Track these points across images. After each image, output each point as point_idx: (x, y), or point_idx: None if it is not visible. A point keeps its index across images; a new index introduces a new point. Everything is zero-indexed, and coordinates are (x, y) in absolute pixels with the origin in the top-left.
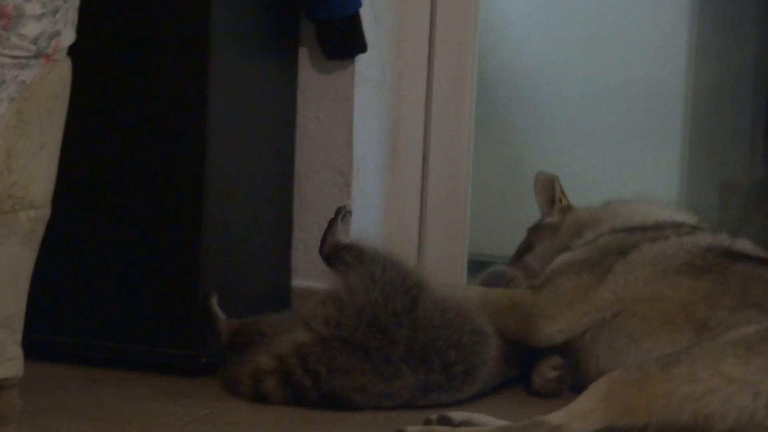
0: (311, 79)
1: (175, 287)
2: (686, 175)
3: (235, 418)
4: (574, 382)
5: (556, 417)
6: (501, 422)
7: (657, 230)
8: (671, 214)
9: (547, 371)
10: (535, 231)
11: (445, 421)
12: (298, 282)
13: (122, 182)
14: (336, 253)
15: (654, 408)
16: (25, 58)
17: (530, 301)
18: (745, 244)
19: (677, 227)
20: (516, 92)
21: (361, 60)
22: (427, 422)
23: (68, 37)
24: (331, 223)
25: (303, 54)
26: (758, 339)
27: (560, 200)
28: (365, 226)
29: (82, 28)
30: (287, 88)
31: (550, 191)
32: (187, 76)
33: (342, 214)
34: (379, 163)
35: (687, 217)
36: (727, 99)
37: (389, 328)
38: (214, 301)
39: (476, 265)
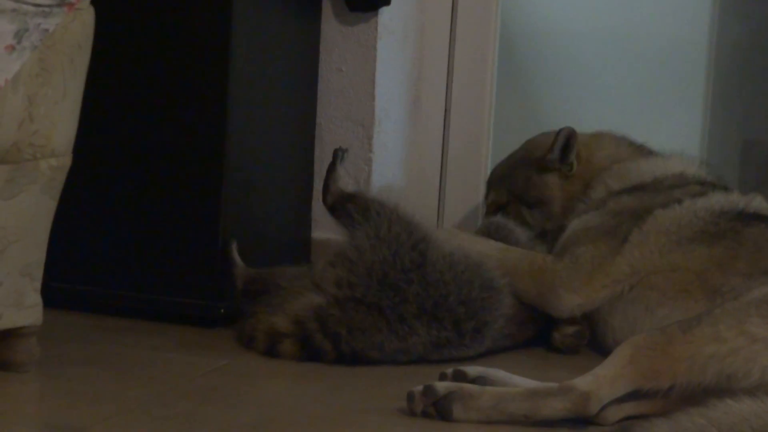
0: (334, 31)
1: (195, 238)
2: (708, 133)
3: (252, 369)
4: (591, 339)
5: (584, 383)
6: (519, 378)
7: (665, 189)
8: (675, 166)
9: (566, 327)
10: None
11: (460, 376)
12: (318, 234)
13: (144, 133)
14: (340, 204)
15: (678, 370)
16: (48, 6)
17: (552, 270)
18: (759, 203)
19: (684, 183)
20: (538, 47)
21: (385, 13)
22: (442, 377)
23: None
24: (331, 168)
25: (326, 6)
26: None
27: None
28: (386, 178)
29: None
30: (310, 40)
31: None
32: (210, 28)
33: (340, 156)
34: (401, 116)
35: (691, 169)
36: (750, 57)
37: (400, 285)
38: (234, 248)
39: None
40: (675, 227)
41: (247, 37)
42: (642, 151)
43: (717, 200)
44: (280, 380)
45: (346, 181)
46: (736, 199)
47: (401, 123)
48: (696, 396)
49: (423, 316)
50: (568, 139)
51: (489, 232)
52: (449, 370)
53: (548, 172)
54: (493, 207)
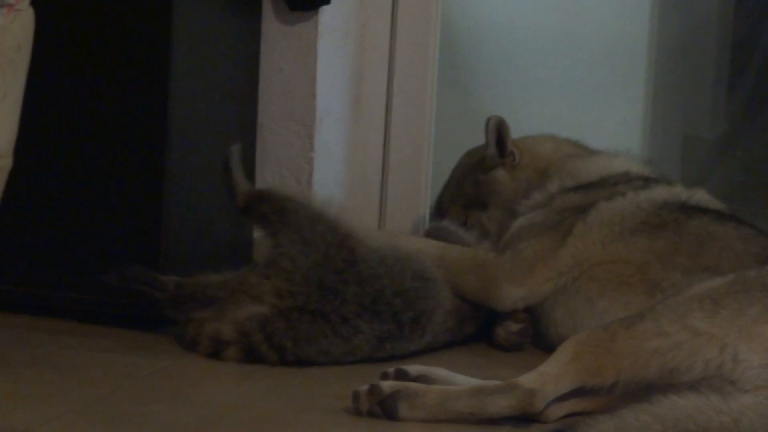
0: (275, 30)
1: (135, 240)
2: (649, 128)
3: (195, 370)
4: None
5: (528, 380)
6: (460, 377)
7: (610, 186)
8: (621, 165)
9: (510, 324)
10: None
11: (402, 375)
12: (259, 234)
13: (84, 133)
14: (254, 205)
15: (622, 366)
16: None
17: (494, 264)
18: (702, 196)
19: (628, 180)
20: (479, 43)
21: (325, 11)
22: (384, 376)
23: None
24: (229, 170)
25: (267, 5)
26: (724, 292)
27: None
28: (328, 178)
29: None
30: (251, 39)
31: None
32: (151, 28)
33: (233, 154)
34: (343, 115)
35: (636, 167)
36: (690, 53)
37: (338, 287)
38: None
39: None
40: (618, 218)
41: (187, 37)
42: (587, 149)
43: (660, 192)
44: (223, 381)
45: (243, 180)
46: (679, 192)
47: (343, 122)
48: (640, 392)
49: (364, 313)
50: (498, 129)
51: (435, 237)
52: (391, 370)
53: (493, 168)
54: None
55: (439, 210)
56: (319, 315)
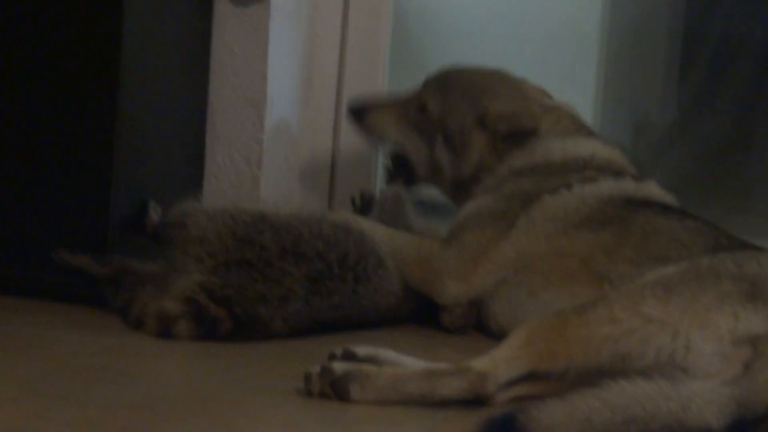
0: (226, 11)
1: (85, 217)
2: (599, 115)
3: (142, 348)
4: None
5: (481, 363)
6: (408, 359)
7: (560, 174)
8: (587, 148)
9: (455, 307)
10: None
11: (350, 356)
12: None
13: (33, 114)
14: (160, 231)
15: (573, 351)
16: None
17: (438, 258)
18: (651, 189)
19: (585, 167)
20: (431, 27)
21: None
22: (332, 357)
23: None
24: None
25: None
26: (677, 280)
27: None
28: (278, 159)
29: None
30: (202, 20)
31: None
32: (101, 8)
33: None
34: (293, 97)
35: (604, 152)
36: (642, 40)
37: (252, 236)
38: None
39: None
40: (562, 213)
41: (138, 18)
42: (570, 127)
43: (607, 186)
44: (171, 359)
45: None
46: (625, 186)
47: (293, 103)
48: (591, 379)
49: (286, 255)
50: (523, 129)
51: (382, 203)
52: (339, 350)
53: (484, 130)
54: (415, 108)
55: (426, 85)
56: (244, 264)
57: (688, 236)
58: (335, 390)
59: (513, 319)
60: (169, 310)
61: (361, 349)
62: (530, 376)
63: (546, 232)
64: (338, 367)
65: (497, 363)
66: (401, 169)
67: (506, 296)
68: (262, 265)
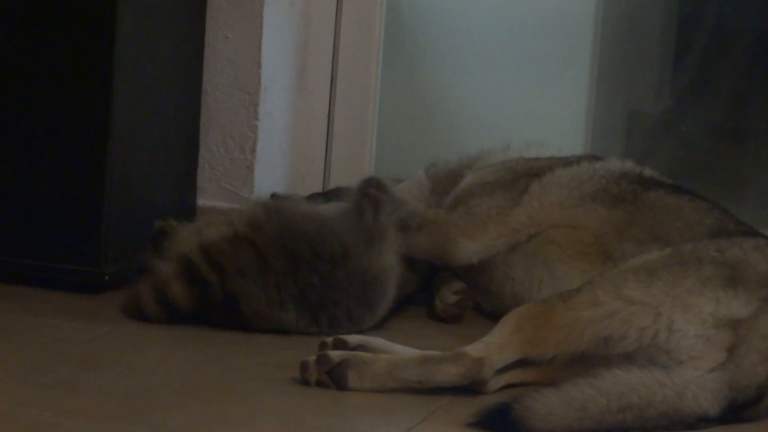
0: None
1: (79, 204)
2: (593, 103)
3: (135, 336)
4: (474, 307)
5: (475, 349)
6: (398, 347)
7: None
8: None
9: (448, 296)
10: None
11: (340, 345)
12: (203, 201)
13: (29, 100)
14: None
15: (559, 337)
16: None
17: (446, 220)
18: (653, 172)
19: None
20: (425, 16)
21: None
22: (323, 346)
23: None
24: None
25: None
26: (660, 264)
27: None
28: (272, 146)
29: None
30: (197, 6)
31: None
32: None
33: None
34: (287, 84)
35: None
36: (636, 28)
37: (301, 261)
38: None
39: None
40: (576, 182)
41: (133, 4)
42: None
43: (615, 164)
44: (162, 347)
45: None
46: (632, 166)
47: (287, 90)
48: (578, 366)
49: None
50: None
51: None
52: (329, 339)
53: None
54: None
55: None
56: (262, 259)
57: (695, 217)
58: (333, 377)
59: (529, 288)
60: (163, 271)
61: (352, 338)
62: (521, 363)
63: (561, 199)
64: (335, 354)
65: (491, 349)
66: None
67: (522, 265)
68: (281, 284)
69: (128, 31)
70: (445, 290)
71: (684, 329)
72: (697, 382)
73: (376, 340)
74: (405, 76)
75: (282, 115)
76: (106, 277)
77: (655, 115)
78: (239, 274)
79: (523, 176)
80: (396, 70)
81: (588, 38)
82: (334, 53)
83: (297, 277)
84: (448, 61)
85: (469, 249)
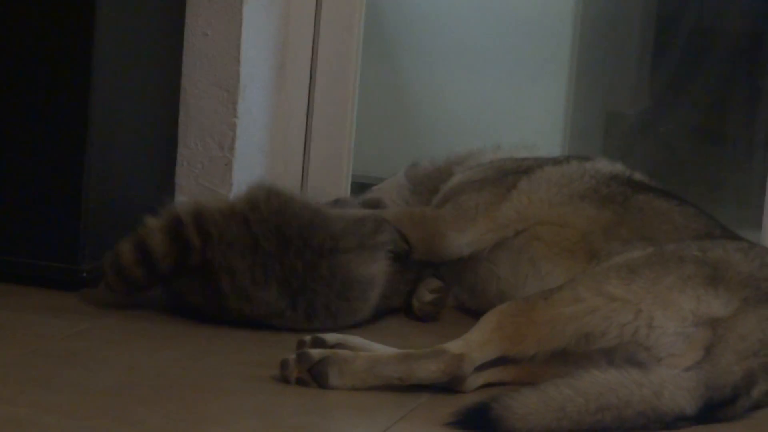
0: None
1: (57, 201)
2: (572, 103)
3: (113, 333)
4: (458, 306)
5: (456, 346)
6: (376, 345)
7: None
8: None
9: (425, 294)
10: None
11: (319, 343)
12: (181, 199)
13: (6, 98)
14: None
15: (541, 334)
16: None
17: (435, 216)
18: (642, 176)
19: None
20: (404, 16)
21: None
22: (301, 344)
23: None
24: None
25: None
26: (642, 262)
27: None
28: (251, 144)
29: None
30: (176, 3)
31: None
32: None
33: None
34: (266, 82)
35: None
36: (614, 29)
37: (293, 244)
38: None
39: (358, 187)
40: (566, 180)
41: (112, 3)
42: None
43: (605, 165)
44: (142, 344)
45: None
46: (622, 168)
47: (266, 88)
48: (560, 362)
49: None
50: None
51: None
52: (307, 337)
53: None
54: None
55: None
56: (251, 240)
57: (683, 221)
58: (313, 375)
59: (515, 285)
60: (150, 223)
61: (330, 336)
62: (501, 360)
63: (549, 197)
64: (315, 352)
65: (471, 346)
66: None
67: (508, 261)
68: (262, 269)
69: (107, 28)
70: (422, 288)
71: (664, 326)
72: (674, 381)
73: (354, 339)
74: (383, 75)
75: (261, 113)
76: (84, 274)
77: (633, 115)
78: (227, 247)
79: (512, 173)
80: (375, 69)
81: (567, 39)
82: (313, 51)
83: (283, 260)
84: (427, 61)
85: (460, 241)
